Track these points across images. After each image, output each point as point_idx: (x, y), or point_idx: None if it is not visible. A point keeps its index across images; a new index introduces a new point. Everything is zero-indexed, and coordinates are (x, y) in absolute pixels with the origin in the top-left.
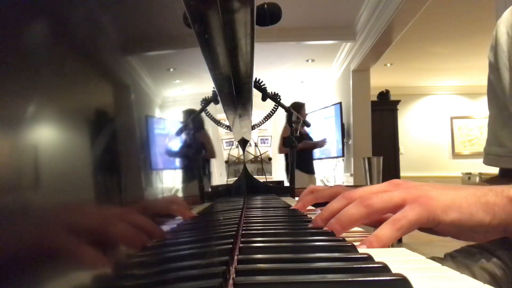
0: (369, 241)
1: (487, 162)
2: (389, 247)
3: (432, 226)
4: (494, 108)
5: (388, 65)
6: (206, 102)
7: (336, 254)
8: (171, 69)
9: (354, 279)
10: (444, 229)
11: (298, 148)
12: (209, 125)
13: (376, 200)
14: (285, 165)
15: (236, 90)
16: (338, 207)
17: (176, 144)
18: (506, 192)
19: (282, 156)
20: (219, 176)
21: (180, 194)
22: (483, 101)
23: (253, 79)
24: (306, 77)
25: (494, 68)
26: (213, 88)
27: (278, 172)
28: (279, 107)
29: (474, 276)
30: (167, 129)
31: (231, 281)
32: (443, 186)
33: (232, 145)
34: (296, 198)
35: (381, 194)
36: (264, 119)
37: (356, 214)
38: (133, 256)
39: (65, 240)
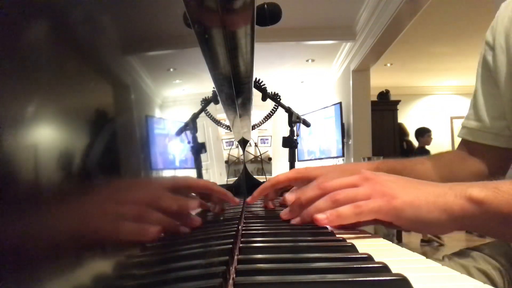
0: (331, 214)
1: (461, 135)
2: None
3: (392, 221)
4: (482, 82)
5: (388, 65)
6: (206, 102)
7: (336, 254)
8: (171, 69)
9: (354, 279)
10: (403, 224)
11: None
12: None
13: (343, 196)
14: None
15: (236, 90)
16: (312, 195)
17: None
18: (464, 192)
19: (282, 156)
20: (219, 176)
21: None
22: None
23: (253, 79)
24: (306, 77)
25: (490, 47)
26: (213, 88)
27: (278, 172)
28: (279, 107)
29: (470, 276)
30: (167, 129)
31: (231, 281)
32: (409, 183)
33: (232, 145)
34: None
35: (348, 191)
36: (264, 119)
37: (324, 209)
38: (134, 256)
39: (63, 239)
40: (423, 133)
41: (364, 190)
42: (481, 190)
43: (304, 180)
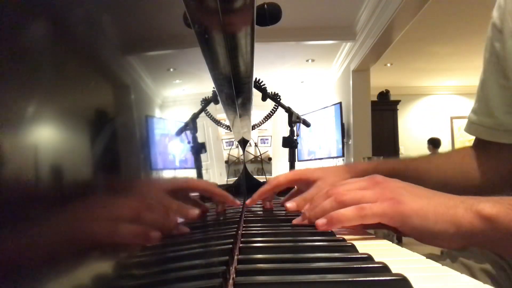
0: (331, 217)
1: (470, 131)
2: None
3: (397, 227)
4: (491, 72)
5: (388, 65)
6: (206, 102)
7: (336, 254)
8: (171, 69)
9: (354, 279)
10: (408, 231)
11: None
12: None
13: (349, 197)
14: None
15: (236, 90)
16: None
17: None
18: (475, 206)
19: (282, 156)
20: (219, 176)
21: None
22: None
23: (253, 79)
24: (306, 77)
25: (497, 30)
26: (213, 88)
27: (278, 172)
28: (279, 107)
29: (474, 276)
30: (167, 129)
31: (231, 281)
32: (420, 191)
33: (232, 145)
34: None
35: (355, 193)
36: (264, 119)
37: (329, 210)
38: (134, 256)
39: (62, 239)
40: (439, 144)
41: (372, 194)
42: (493, 206)
43: (304, 182)
